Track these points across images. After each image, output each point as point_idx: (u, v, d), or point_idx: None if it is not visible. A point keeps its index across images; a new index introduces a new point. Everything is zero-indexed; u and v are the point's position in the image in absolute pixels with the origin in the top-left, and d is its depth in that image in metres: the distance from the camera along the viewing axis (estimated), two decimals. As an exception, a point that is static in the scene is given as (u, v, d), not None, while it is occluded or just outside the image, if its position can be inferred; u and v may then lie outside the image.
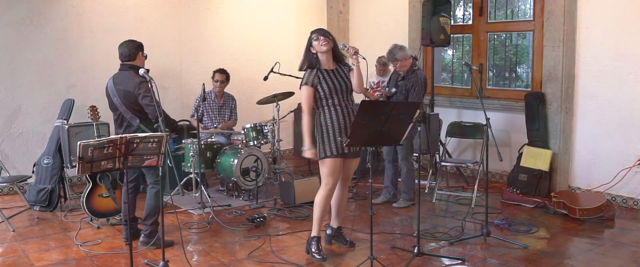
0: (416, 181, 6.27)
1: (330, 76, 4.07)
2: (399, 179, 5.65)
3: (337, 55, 4.15)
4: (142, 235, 4.43)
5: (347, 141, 3.79)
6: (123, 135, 3.45)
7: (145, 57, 4.51)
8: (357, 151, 4.19)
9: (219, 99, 6.51)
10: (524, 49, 6.90)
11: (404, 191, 5.55)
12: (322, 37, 4.05)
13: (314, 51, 4.08)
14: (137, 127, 4.31)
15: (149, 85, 4.06)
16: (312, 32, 4.13)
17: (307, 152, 4.09)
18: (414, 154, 5.95)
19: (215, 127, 6.38)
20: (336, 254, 4.27)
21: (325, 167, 4.08)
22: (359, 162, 4.34)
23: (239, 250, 4.40)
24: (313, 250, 4.18)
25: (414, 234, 4.53)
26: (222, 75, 6.44)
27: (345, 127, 4.05)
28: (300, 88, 4.11)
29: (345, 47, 4.11)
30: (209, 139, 5.98)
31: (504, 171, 6.43)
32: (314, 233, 4.22)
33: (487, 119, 4.60)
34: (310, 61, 4.10)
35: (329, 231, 4.45)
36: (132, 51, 4.35)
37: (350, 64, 4.13)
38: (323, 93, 4.04)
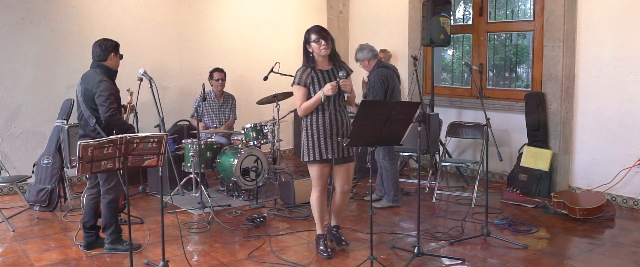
0: (415, 181, 6.30)
1: (325, 77, 4.01)
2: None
3: (333, 55, 4.05)
4: (106, 243, 4.35)
5: (347, 141, 3.78)
6: (123, 135, 3.45)
7: (121, 57, 4.38)
8: (346, 156, 4.10)
9: (219, 99, 6.51)
10: (524, 49, 6.90)
11: (386, 191, 5.55)
12: (323, 42, 3.92)
13: (310, 50, 4.00)
14: (93, 128, 4.18)
15: (150, 86, 4.06)
16: (311, 32, 3.98)
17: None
18: (404, 154, 6.13)
19: (216, 127, 6.38)
20: (336, 254, 4.27)
21: (311, 171, 4.14)
22: (352, 166, 4.22)
23: (239, 250, 4.40)
24: (320, 248, 4.22)
25: (414, 234, 4.53)
26: (222, 74, 6.46)
27: (333, 132, 4.00)
28: (292, 86, 4.05)
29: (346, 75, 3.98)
30: (209, 139, 5.98)
31: (504, 171, 6.43)
32: (318, 231, 4.27)
33: (487, 119, 4.60)
34: (306, 59, 4.03)
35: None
36: (103, 51, 4.25)
37: (341, 75, 3.95)
38: (316, 91, 3.98)
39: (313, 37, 3.97)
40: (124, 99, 4.73)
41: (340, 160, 4.09)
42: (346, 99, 4.03)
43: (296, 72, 4.05)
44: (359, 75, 6.93)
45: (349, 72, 4.06)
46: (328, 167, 4.10)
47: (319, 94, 3.93)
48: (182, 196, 5.85)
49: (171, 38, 7.02)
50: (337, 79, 3.97)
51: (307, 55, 4.03)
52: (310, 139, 4.04)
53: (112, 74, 4.27)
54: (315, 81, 3.99)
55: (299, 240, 4.60)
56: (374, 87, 5.25)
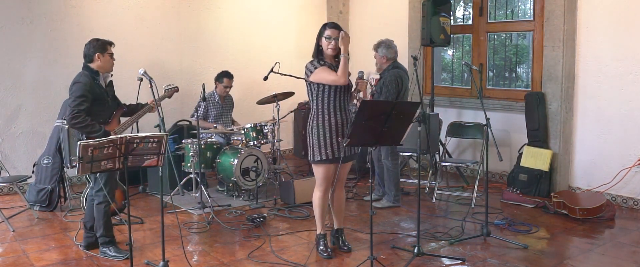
0: (415, 181, 6.29)
1: (335, 70, 4.03)
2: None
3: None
4: (100, 245, 4.30)
5: (347, 141, 3.78)
6: (123, 135, 3.46)
7: (111, 56, 4.23)
8: (350, 155, 4.13)
9: (222, 100, 6.51)
10: (524, 49, 6.90)
11: (387, 191, 5.55)
12: (333, 42, 3.98)
13: (321, 45, 4.05)
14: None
15: (150, 86, 4.06)
16: (327, 27, 4.01)
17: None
18: (404, 154, 6.15)
19: (215, 128, 6.38)
20: (336, 254, 4.27)
21: (319, 171, 4.11)
22: (350, 165, 4.28)
23: (239, 250, 4.40)
24: (320, 248, 4.23)
25: (414, 234, 4.53)
26: (231, 81, 6.43)
27: (342, 128, 4.04)
28: (309, 78, 4.00)
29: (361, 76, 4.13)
30: (209, 139, 5.98)
31: (504, 171, 6.43)
32: (318, 231, 4.27)
33: (487, 119, 4.60)
34: (316, 52, 4.08)
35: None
36: (89, 52, 4.17)
37: (359, 75, 4.11)
38: (327, 87, 3.99)
39: (326, 33, 4.01)
40: (127, 99, 4.72)
41: (346, 159, 4.13)
42: (358, 97, 4.15)
43: (307, 65, 4.04)
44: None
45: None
46: (335, 167, 4.11)
47: (345, 55, 3.93)
48: (182, 196, 5.85)
49: (171, 38, 7.02)
50: (357, 79, 4.08)
51: (318, 49, 4.08)
52: (322, 139, 4.03)
53: (94, 74, 4.17)
54: None
55: (299, 240, 4.60)
56: (389, 88, 5.26)
